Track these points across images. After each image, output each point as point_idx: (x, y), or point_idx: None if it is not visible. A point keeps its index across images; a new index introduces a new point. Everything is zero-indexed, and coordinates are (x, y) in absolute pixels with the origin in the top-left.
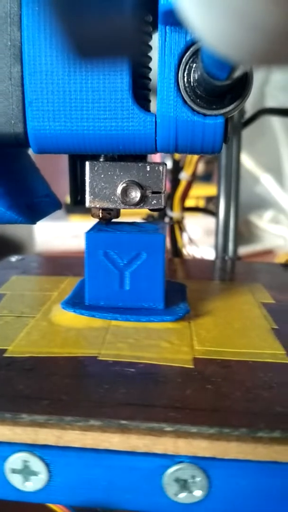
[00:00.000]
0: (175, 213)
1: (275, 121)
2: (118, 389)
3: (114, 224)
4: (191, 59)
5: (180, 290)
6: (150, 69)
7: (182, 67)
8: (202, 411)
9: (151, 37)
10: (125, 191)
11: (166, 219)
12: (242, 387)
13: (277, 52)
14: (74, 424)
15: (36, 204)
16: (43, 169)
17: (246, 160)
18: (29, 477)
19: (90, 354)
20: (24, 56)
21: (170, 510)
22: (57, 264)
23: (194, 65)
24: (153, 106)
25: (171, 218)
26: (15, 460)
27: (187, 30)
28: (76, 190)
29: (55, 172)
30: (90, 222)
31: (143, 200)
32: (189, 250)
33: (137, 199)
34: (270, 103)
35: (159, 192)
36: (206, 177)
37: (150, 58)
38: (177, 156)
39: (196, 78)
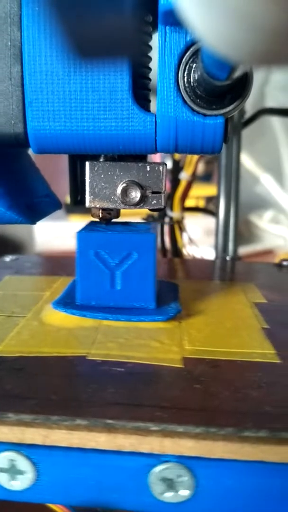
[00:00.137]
0: (175, 213)
1: (275, 121)
2: (106, 388)
3: (106, 224)
4: (191, 59)
5: (173, 289)
6: (150, 69)
7: (182, 67)
8: (190, 410)
9: (151, 37)
10: (125, 191)
11: (166, 219)
12: (231, 387)
13: (277, 52)
14: (60, 423)
15: (36, 204)
16: (43, 169)
17: (246, 160)
18: (16, 476)
19: (80, 354)
20: (24, 56)
21: (156, 510)
22: (51, 264)
23: (194, 65)
24: (153, 106)
25: (171, 218)
26: (2, 459)
27: (187, 30)
28: (76, 190)
29: (55, 172)
30: None
31: (143, 200)
32: (189, 250)
33: (137, 199)
34: (270, 103)
35: (159, 192)
36: (206, 177)
37: (150, 58)
38: (177, 156)
39: (196, 78)
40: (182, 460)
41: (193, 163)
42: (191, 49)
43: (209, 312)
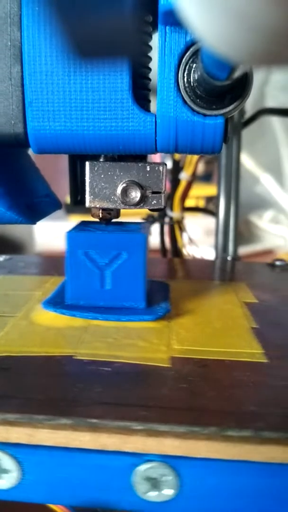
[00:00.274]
0: (175, 213)
1: (275, 121)
2: (93, 388)
3: (97, 224)
4: (191, 59)
5: (163, 289)
6: (150, 69)
7: (182, 67)
8: (175, 410)
9: (151, 37)
10: (125, 191)
11: (166, 219)
12: (218, 386)
13: (277, 53)
14: (45, 422)
15: (36, 204)
16: (43, 169)
17: (246, 160)
18: (1, 475)
19: (68, 354)
20: (24, 56)
21: (140, 509)
22: (44, 264)
23: (194, 65)
24: (153, 106)
25: (171, 218)
26: None
27: (187, 30)
28: (76, 190)
29: (55, 172)
30: None
31: (143, 200)
32: (189, 250)
33: (137, 199)
34: (270, 103)
35: (159, 192)
36: (206, 177)
37: (150, 58)
38: (177, 156)
39: (196, 78)
40: (166, 459)
41: (193, 163)
42: (191, 49)
43: (199, 312)
